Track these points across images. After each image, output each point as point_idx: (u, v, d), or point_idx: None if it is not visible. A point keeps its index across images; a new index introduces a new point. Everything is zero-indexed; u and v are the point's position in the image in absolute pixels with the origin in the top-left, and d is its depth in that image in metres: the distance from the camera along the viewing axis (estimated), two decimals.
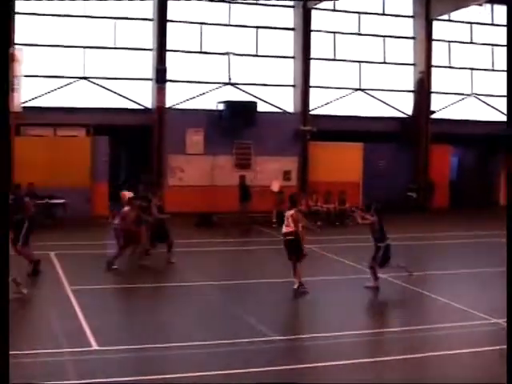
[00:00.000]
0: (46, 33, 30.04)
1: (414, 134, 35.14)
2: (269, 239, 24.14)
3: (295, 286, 15.57)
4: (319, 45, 33.88)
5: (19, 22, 29.34)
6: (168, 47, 31.38)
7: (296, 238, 15.68)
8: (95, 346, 11.51)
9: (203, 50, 32.29)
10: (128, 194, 20.40)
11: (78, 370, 10.52)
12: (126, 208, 18.73)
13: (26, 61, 28.92)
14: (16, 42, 29.07)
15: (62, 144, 29.34)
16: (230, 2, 32.36)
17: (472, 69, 36.87)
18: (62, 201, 26.78)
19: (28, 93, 29.46)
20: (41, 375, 10.22)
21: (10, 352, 11.11)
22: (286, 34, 33.60)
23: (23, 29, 29.50)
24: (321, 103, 34.20)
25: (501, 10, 36.27)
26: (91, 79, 30.85)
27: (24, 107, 29.02)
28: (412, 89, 35.73)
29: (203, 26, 32.15)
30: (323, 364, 10.91)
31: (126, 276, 18.24)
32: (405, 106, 35.79)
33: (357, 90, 34.88)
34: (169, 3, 31.20)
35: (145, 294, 16.18)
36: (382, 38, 35.08)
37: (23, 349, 11.34)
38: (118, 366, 10.76)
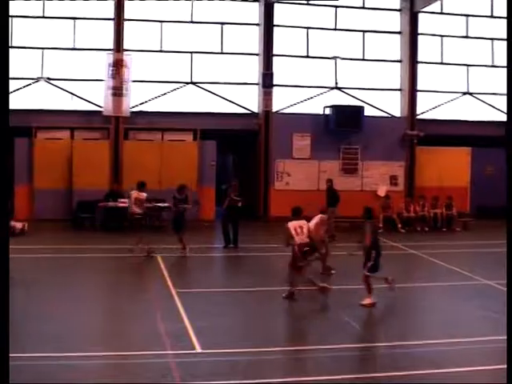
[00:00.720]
0: (154, 38, 30.56)
1: None
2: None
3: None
4: (426, 48, 33.29)
5: (128, 27, 29.97)
6: (274, 52, 31.42)
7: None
8: (198, 349, 11.58)
9: (309, 55, 32.18)
10: None
11: (181, 372, 10.58)
12: None
13: (134, 66, 29.56)
14: (125, 47, 29.74)
15: (170, 148, 29.81)
16: (336, 7, 32.16)
17: None
18: (169, 204, 27.12)
19: (137, 98, 30.06)
20: (145, 377, 10.34)
21: (119, 352, 11.43)
22: (393, 38, 33.16)
23: (132, 34, 30.11)
24: (428, 107, 33.59)
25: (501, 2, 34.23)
26: (199, 84, 31.21)
27: (132, 112, 29.66)
28: None
29: (309, 30, 32.05)
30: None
31: (231, 279, 18.33)
32: None
33: (464, 93, 34.11)
34: (275, 8, 31.25)
35: (252, 297, 16.17)
36: (490, 41, 34.18)
37: (130, 349, 11.54)
38: (221, 369, 10.77)
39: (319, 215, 17.78)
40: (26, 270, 17.29)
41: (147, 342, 12.07)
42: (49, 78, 29.75)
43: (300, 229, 15.43)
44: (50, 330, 12.56)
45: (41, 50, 29.70)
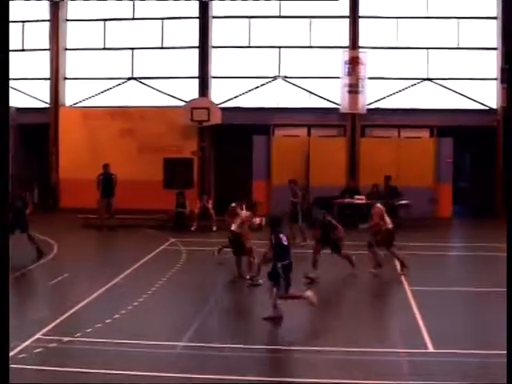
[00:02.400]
0: (388, 35, 30.30)
1: None
2: None
3: None
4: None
5: (363, 25, 29.98)
6: None
7: None
8: (431, 348, 11.38)
9: None
10: None
11: (413, 371, 10.45)
12: None
13: (370, 63, 29.54)
14: (360, 44, 29.80)
15: (406, 145, 29.53)
16: None
17: None
18: (406, 201, 26.87)
19: (372, 95, 30.03)
20: (377, 374, 10.32)
21: (346, 348, 11.49)
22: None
23: (367, 32, 30.09)
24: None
25: None
26: (434, 80, 30.62)
27: (369, 109, 29.67)
28: None
29: None
30: None
31: (465, 279, 17.86)
32: None
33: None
34: None
35: (486, 298, 15.67)
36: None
37: (358, 345, 11.56)
38: (451, 370, 10.51)
39: None
40: None
41: (379, 338, 12.06)
42: (286, 77, 30.48)
43: None
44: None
45: (277, 49, 30.46)
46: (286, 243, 13.20)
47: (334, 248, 17.27)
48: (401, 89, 30.43)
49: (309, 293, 13.16)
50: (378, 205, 18.04)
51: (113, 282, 16.60)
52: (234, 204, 18.03)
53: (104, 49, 31.57)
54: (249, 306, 15.56)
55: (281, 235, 13.25)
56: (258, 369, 10.74)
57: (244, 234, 16.87)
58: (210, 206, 25.71)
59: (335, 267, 17.79)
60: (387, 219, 17.74)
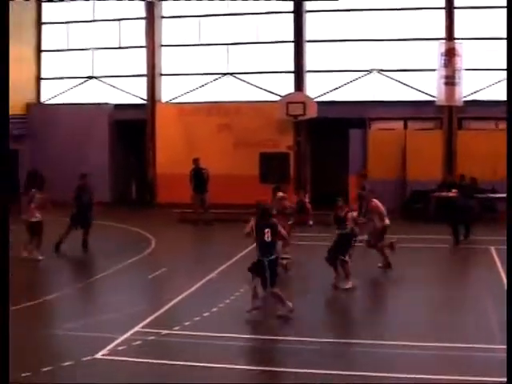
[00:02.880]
0: (483, 26, 29.56)
1: None
2: None
3: None
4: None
5: (459, 16, 29.35)
6: None
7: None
8: None
9: None
10: None
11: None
12: None
13: (466, 54, 28.92)
14: (456, 36, 29.20)
15: (504, 138, 28.73)
16: None
17: None
18: (504, 195, 26.20)
19: (469, 87, 29.41)
20: (475, 371, 10.14)
21: (446, 344, 11.31)
22: None
23: (463, 23, 29.44)
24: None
25: None
26: None
27: (465, 101, 29.07)
28: None
29: None
30: None
31: None
32: None
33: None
34: None
35: None
36: None
37: (457, 341, 11.37)
38: None
39: None
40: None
41: (475, 335, 11.86)
42: (381, 70, 30.17)
43: None
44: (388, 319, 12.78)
45: (373, 42, 30.14)
46: (268, 240, 13.05)
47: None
48: (498, 80, 29.67)
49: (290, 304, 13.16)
50: (375, 200, 17.61)
51: (209, 277, 16.80)
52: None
53: (199, 45, 31.88)
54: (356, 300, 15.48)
55: (265, 230, 13.09)
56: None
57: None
58: (307, 200, 25.69)
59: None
60: (384, 215, 17.33)
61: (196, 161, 26.68)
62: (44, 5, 33.01)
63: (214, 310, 13.78)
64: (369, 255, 17.82)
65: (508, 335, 9.31)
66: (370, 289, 16.67)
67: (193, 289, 15.52)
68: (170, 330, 12.41)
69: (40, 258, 18.83)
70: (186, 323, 12.79)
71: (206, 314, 13.43)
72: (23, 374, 10.25)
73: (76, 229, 20.34)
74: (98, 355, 11.21)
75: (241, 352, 11.71)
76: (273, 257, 13.01)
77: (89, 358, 11.08)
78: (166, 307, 14.13)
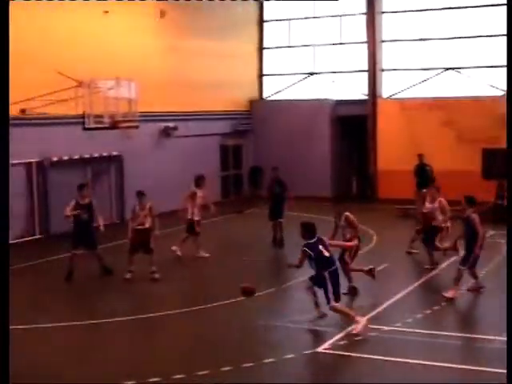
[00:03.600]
0: None
1: None
2: None
3: None
4: None
5: None
6: None
7: None
8: None
9: None
10: None
11: None
12: None
13: None
14: None
15: None
16: None
17: None
18: None
19: None
20: None
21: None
22: None
23: None
24: None
25: None
26: None
27: None
28: None
29: None
30: None
31: None
32: None
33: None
34: None
35: None
36: None
37: None
38: None
39: None
40: None
41: None
42: None
43: None
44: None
45: None
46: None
47: None
48: None
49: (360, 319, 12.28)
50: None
51: (431, 274, 16.50)
52: None
53: (419, 40, 31.31)
54: None
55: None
56: None
57: None
58: None
59: None
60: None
61: (420, 156, 26.50)
62: (266, 3, 33.80)
63: (436, 307, 13.51)
64: None
65: (508, 335, 9.09)
66: None
67: (414, 285, 15.31)
68: (391, 327, 12.34)
69: (206, 255, 19.14)
70: (408, 320, 12.65)
71: (427, 312, 13.22)
72: (245, 365, 10.57)
73: (272, 221, 20.77)
74: (319, 349, 11.34)
75: (459, 351, 11.41)
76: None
77: (310, 351, 11.22)
78: (387, 303, 14.06)
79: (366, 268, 15.20)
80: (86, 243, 16.97)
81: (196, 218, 19.26)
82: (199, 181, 19.49)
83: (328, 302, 12.34)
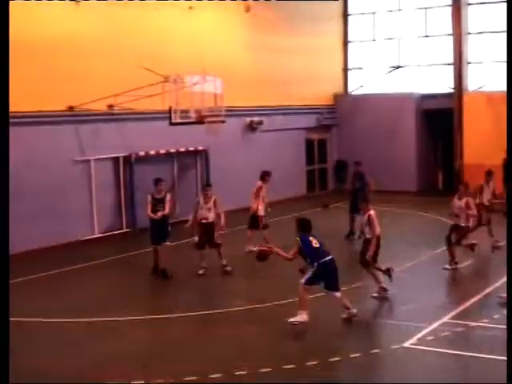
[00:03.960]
0: None
1: None
2: None
3: None
4: None
5: None
6: None
7: None
8: None
9: None
10: None
11: None
12: None
13: None
14: None
15: None
16: None
17: None
18: None
19: None
20: None
21: None
22: None
23: None
24: None
25: None
26: None
27: None
28: None
29: None
30: None
31: None
32: None
33: None
34: None
35: None
36: None
37: None
38: None
39: None
40: None
41: None
42: None
43: None
44: None
45: None
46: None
47: None
48: None
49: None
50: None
51: None
52: None
53: (504, 31, 30.65)
54: None
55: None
56: None
57: None
58: None
59: None
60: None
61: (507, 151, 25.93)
62: None
63: None
64: None
65: (508, 333, 9.12)
66: None
67: (502, 281, 15.06)
68: (478, 323, 12.18)
69: (254, 249, 18.65)
70: (495, 316, 12.46)
71: None
72: (331, 359, 10.60)
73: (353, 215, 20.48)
74: (407, 344, 11.29)
75: None
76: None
77: (397, 346, 11.19)
78: (474, 299, 13.87)
79: (384, 268, 14.60)
80: (160, 237, 16.64)
81: (260, 214, 19.11)
82: (265, 176, 19.46)
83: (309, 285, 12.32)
